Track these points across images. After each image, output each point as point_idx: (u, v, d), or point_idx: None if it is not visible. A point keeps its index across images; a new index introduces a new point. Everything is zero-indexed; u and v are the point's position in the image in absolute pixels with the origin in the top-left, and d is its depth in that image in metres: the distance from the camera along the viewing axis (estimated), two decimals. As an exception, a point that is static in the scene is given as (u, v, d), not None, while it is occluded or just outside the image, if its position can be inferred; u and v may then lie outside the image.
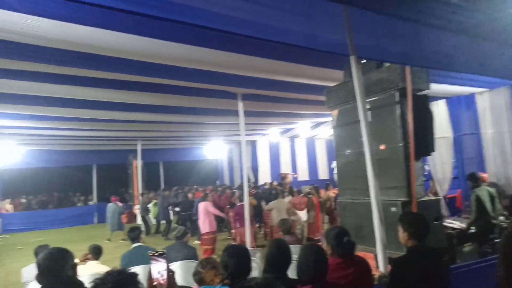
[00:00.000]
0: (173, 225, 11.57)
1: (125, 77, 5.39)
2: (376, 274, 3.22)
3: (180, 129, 11.00)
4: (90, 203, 17.37)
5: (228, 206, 10.06)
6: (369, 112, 4.33)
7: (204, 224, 8.26)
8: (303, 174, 15.60)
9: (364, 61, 4.53)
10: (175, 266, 4.33)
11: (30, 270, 4.54)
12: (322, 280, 2.28)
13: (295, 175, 14.92)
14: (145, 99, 6.71)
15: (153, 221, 13.01)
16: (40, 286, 1.89)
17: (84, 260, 4.56)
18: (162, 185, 18.20)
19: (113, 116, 7.90)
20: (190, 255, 4.82)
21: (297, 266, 2.33)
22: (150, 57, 4.41)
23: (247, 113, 7.65)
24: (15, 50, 3.85)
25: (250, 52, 4.42)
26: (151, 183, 16.64)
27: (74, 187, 20.10)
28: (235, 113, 6.95)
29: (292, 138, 15.70)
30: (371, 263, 3.48)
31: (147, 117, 8.27)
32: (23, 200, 18.45)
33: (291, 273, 2.58)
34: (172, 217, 12.19)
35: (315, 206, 8.90)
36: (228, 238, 10.09)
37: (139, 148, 13.52)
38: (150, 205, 13.32)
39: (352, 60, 3.36)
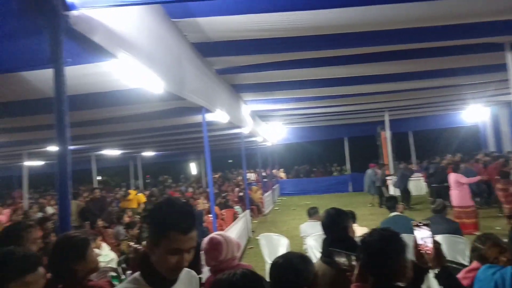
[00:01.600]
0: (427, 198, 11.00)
1: (368, 50, 5.47)
2: None
3: (431, 95, 10.11)
4: (345, 173, 18.83)
5: (498, 177, 8.53)
6: None
7: (455, 197, 7.69)
8: None
9: None
10: (437, 239, 4.15)
11: (305, 227, 5.51)
12: None
13: None
14: (393, 68, 6.59)
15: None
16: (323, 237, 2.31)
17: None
18: (413, 156, 17.47)
19: (361, 90, 8.20)
20: (453, 229, 4.50)
21: None
22: (395, 23, 4.30)
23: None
24: (273, 45, 4.63)
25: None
26: (400, 154, 16.26)
27: (330, 158, 22.32)
28: (501, 68, 5.75)
29: None
30: None
31: (395, 86, 8.08)
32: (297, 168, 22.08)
33: None
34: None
35: None
36: (498, 216, 8.62)
37: (386, 118, 13.46)
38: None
39: None
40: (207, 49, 4.60)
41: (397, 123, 14.98)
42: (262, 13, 3.64)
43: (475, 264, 2.58)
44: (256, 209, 11.89)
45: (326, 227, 2.26)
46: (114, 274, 3.92)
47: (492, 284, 2.23)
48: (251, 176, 18.61)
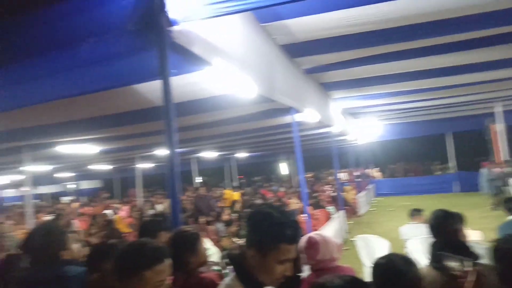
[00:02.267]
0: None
1: (478, 34, 4.89)
2: None
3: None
4: (448, 171, 17.11)
5: None
6: None
7: None
8: None
9: None
10: None
11: (406, 229, 5.17)
12: None
13: None
14: (504, 53, 5.79)
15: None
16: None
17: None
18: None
19: (467, 79, 7.37)
20: None
21: None
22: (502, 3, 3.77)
23: None
24: (368, 38, 4.42)
25: None
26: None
27: (428, 156, 20.50)
28: None
29: None
30: None
31: (507, 73, 7.09)
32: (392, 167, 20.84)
33: None
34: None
35: None
36: None
37: (498, 110, 11.86)
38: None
39: None
40: (295, 49, 4.63)
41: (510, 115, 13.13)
42: (350, 8, 3.53)
43: None
44: (350, 210, 11.53)
45: (434, 230, 2.10)
46: (217, 268, 4.17)
47: None
48: (343, 175, 18.10)
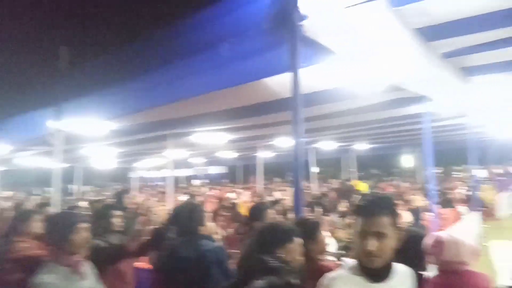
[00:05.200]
0: None
1: None
2: None
3: None
4: None
5: None
6: None
7: None
8: None
9: None
10: None
11: None
12: None
13: None
14: None
15: None
16: None
17: None
18: None
19: None
20: None
21: None
22: None
23: None
24: None
25: None
26: None
27: None
28: None
29: None
30: None
31: None
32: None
33: None
34: None
35: None
36: None
37: None
38: None
39: None
40: (431, 32, 4.23)
41: None
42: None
43: None
44: (487, 212, 10.09)
45: None
46: (333, 259, 4.20)
47: None
48: (482, 172, 15.83)
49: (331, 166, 23.56)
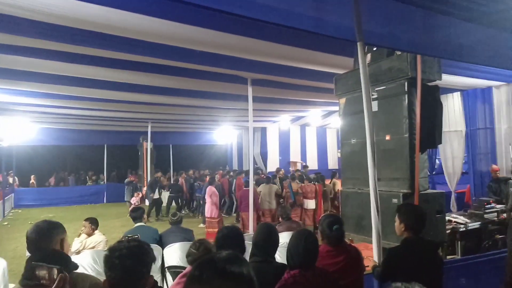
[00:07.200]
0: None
1: (135, 58, 5.35)
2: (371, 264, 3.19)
3: (190, 112, 10.96)
4: (102, 182, 17.56)
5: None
6: (376, 102, 4.23)
7: (208, 209, 8.81)
8: (312, 163, 15.50)
9: (375, 49, 4.38)
10: (174, 247, 4.35)
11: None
12: (311, 266, 2.24)
13: (303, 164, 14.76)
14: (155, 81, 6.66)
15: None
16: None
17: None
18: (171, 168, 18.17)
19: (123, 97, 7.90)
20: (189, 237, 4.88)
21: (287, 251, 2.29)
22: (159, 38, 4.33)
23: (257, 99, 7.54)
24: (26, 27, 3.81)
25: (259, 36, 4.31)
26: (160, 166, 16.69)
27: (86, 166, 20.34)
28: (245, 98, 6.86)
29: (303, 127, 15.56)
30: (370, 253, 3.42)
31: (157, 99, 8.24)
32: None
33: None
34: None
35: (318, 194, 8.92)
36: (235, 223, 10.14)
37: (149, 130, 13.58)
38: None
39: (359, 47, 3.19)
40: None
41: (159, 135, 15.49)
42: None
43: (188, 268, 2.75)
44: None
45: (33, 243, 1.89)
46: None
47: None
48: None
49: None
